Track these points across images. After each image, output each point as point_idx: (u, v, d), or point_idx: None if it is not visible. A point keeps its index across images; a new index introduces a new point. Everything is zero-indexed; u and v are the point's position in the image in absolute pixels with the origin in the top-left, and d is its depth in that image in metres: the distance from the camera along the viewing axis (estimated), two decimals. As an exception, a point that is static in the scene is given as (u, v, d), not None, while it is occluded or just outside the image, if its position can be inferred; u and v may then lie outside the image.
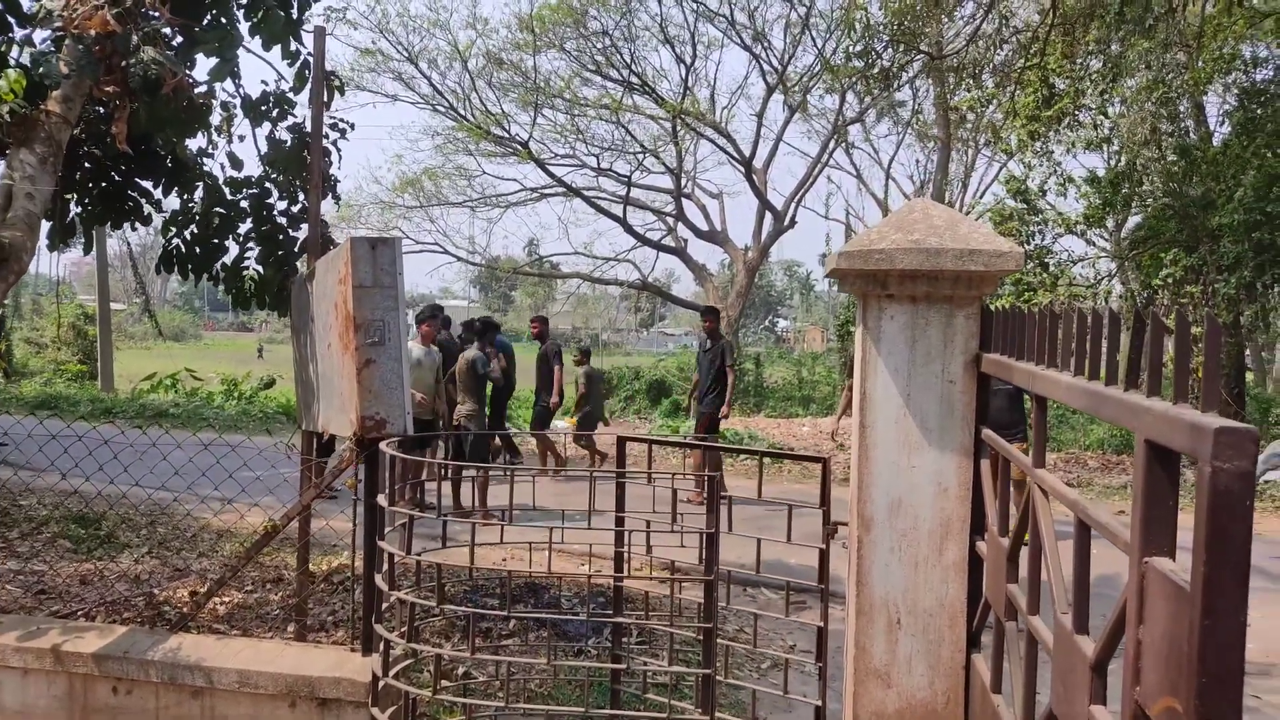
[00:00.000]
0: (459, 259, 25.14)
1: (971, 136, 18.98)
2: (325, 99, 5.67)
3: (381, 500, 3.14)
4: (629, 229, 22.15)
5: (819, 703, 2.85)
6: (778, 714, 4.22)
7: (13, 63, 4.85)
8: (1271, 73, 12.24)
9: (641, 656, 3.88)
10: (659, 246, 22.86)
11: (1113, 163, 13.58)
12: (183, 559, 7.09)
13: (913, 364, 2.83)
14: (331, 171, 6.10)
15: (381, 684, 3.02)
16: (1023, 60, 12.01)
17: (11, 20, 5.36)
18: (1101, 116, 13.15)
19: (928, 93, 18.77)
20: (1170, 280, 11.61)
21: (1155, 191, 12.26)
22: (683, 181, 22.05)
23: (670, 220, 22.89)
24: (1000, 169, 17.20)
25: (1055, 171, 13.34)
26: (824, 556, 2.98)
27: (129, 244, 39.84)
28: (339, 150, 6.27)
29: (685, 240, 22.81)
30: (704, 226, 22.22)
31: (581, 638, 4.68)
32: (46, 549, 7.35)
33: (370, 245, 3.58)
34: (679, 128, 21.39)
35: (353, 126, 6.58)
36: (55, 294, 31.92)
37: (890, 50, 11.37)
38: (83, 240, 6.30)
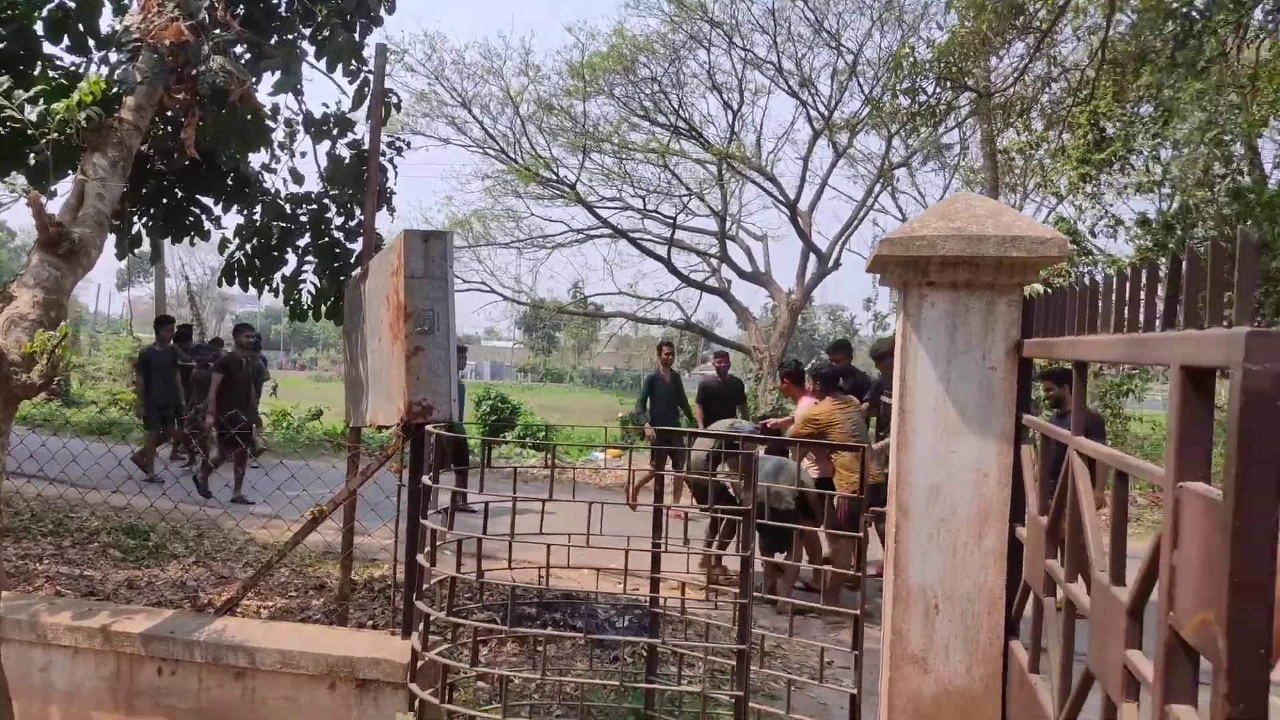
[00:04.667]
0: (505, 298, 25.47)
1: (1020, 181, 18.91)
2: (383, 116, 5.89)
3: (426, 480, 3.20)
4: (673, 270, 22.32)
5: (854, 691, 2.82)
6: (813, 712, 4.16)
7: (92, 75, 5.12)
8: (1328, 115, 12.07)
9: (675, 665, 3.84)
10: (703, 287, 22.98)
11: (1165, 205, 13.45)
12: (228, 568, 7.21)
13: (953, 351, 2.83)
14: (388, 186, 6.30)
15: (420, 662, 3.06)
16: (1071, 100, 12.00)
17: (91, 43, 5.67)
18: (1153, 161, 13.05)
19: (974, 131, 18.79)
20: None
21: (1208, 234, 12.09)
22: (727, 224, 22.22)
23: (714, 262, 23.03)
24: (1049, 212, 17.09)
25: (1105, 214, 13.23)
26: (862, 545, 2.97)
27: (188, 280, 41.00)
28: (395, 167, 6.48)
29: (729, 281, 22.90)
30: (748, 268, 22.32)
31: (618, 646, 4.67)
32: (97, 557, 7.51)
33: (423, 238, 3.70)
34: (724, 171, 21.62)
35: (408, 144, 6.81)
36: (113, 326, 32.87)
37: (937, 88, 11.44)
38: (150, 252, 6.56)
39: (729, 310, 23.38)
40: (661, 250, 22.34)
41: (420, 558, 3.08)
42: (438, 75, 21.78)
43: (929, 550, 2.74)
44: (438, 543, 3.05)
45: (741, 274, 22.28)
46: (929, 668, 2.67)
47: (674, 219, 22.27)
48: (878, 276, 3.13)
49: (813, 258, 21.34)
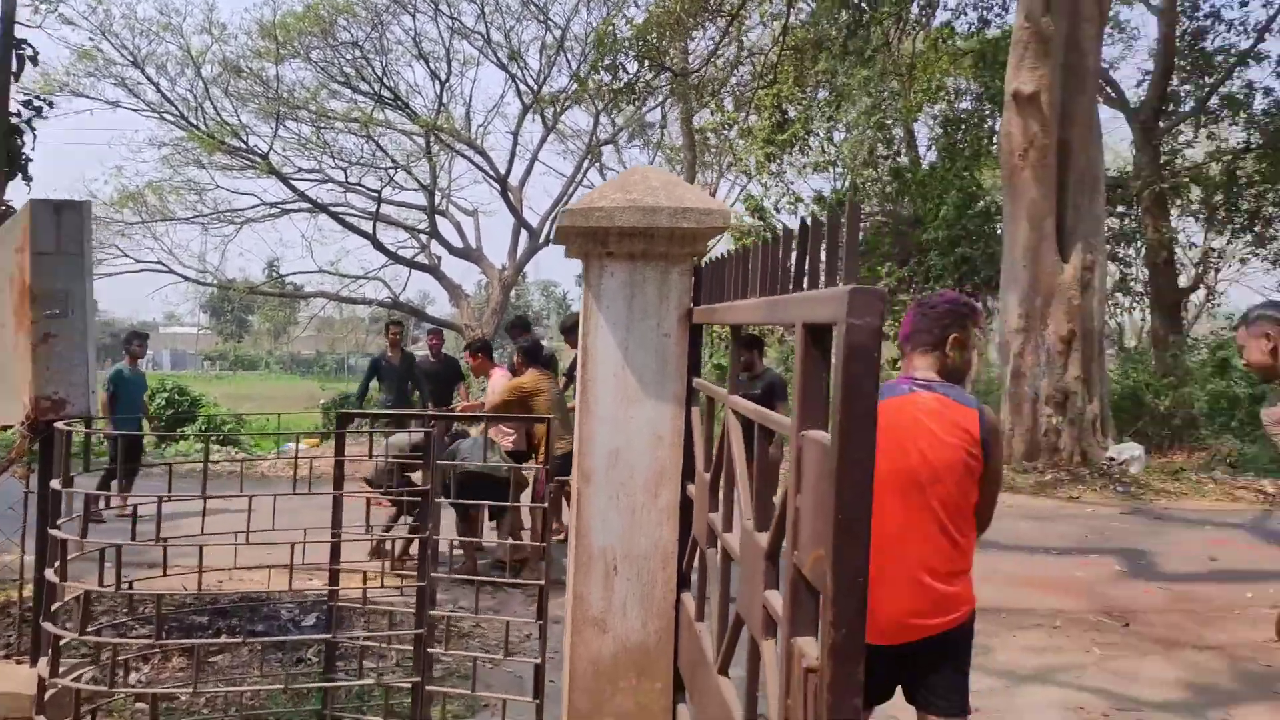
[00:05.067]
0: (187, 279, 23.28)
1: (716, 160, 20.04)
2: (16, 69, 5.14)
3: (56, 484, 2.80)
4: (379, 246, 21.50)
5: (539, 660, 2.82)
6: (509, 687, 4.14)
7: None
8: (970, 103, 13.85)
9: (360, 660, 3.64)
10: (412, 264, 22.34)
11: (838, 184, 14.83)
12: None
13: (631, 320, 2.88)
14: (23, 151, 5.49)
15: (49, 693, 2.67)
16: (757, 84, 12.83)
17: None
18: (828, 142, 14.32)
19: (674, 110, 19.66)
20: (886, 290, 12.83)
21: (873, 210, 13.49)
22: (437, 198, 21.71)
23: (424, 238, 22.45)
24: (741, 190, 18.28)
25: (788, 191, 14.37)
26: (545, 515, 2.97)
27: None
28: (34, 129, 5.66)
29: (439, 258, 22.46)
30: (459, 244, 21.98)
31: (302, 646, 4.38)
32: None
33: (54, 209, 3.24)
34: (433, 144, 21.07)
35: (50, 104, 5.99)
36: None
37: (638, 66, 11.81)
38: None
39: (441, 288, 22.94)
40: (367, 226, 21.44)
41: (49, 573, 2.69)
42: (104, 30, 19.42)
43: (609, 514, 2.78)
44: (71, 554, 2.68)
45: (452, 250, 21.92)
46: (608, 627, 2.73)
47: (379, 193, 21.42)
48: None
49: (524, 233, 21.41)
